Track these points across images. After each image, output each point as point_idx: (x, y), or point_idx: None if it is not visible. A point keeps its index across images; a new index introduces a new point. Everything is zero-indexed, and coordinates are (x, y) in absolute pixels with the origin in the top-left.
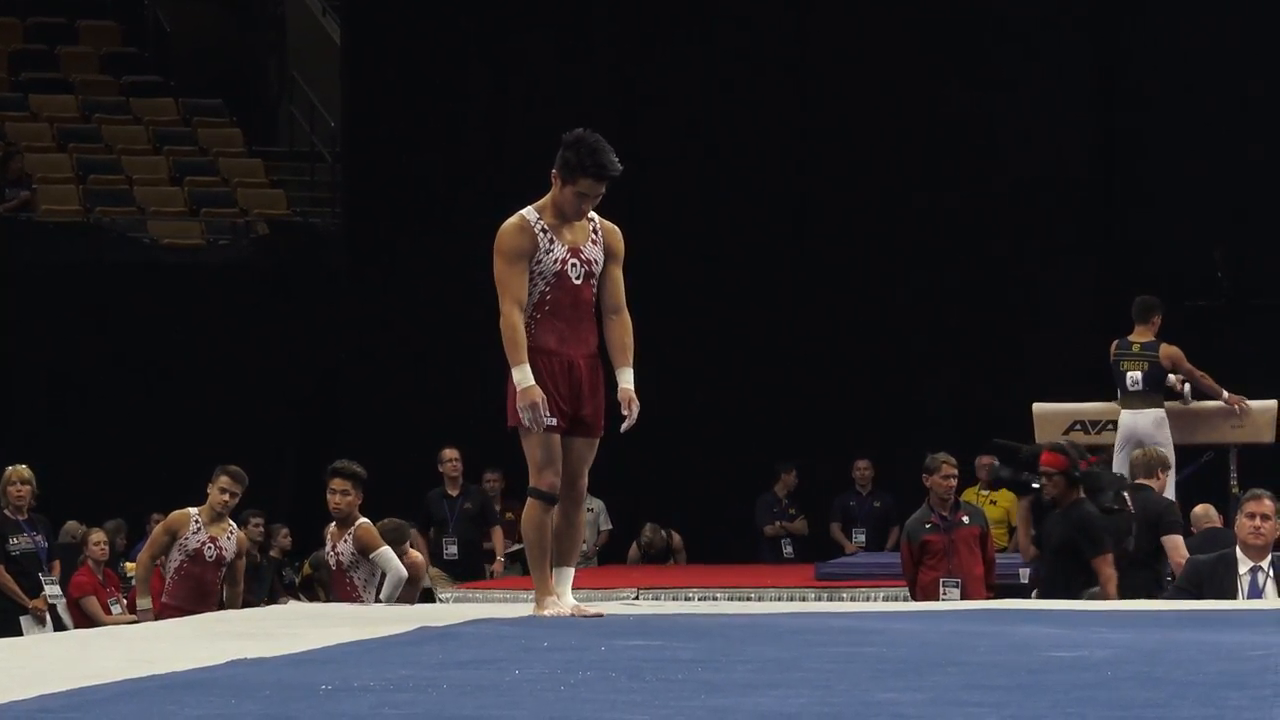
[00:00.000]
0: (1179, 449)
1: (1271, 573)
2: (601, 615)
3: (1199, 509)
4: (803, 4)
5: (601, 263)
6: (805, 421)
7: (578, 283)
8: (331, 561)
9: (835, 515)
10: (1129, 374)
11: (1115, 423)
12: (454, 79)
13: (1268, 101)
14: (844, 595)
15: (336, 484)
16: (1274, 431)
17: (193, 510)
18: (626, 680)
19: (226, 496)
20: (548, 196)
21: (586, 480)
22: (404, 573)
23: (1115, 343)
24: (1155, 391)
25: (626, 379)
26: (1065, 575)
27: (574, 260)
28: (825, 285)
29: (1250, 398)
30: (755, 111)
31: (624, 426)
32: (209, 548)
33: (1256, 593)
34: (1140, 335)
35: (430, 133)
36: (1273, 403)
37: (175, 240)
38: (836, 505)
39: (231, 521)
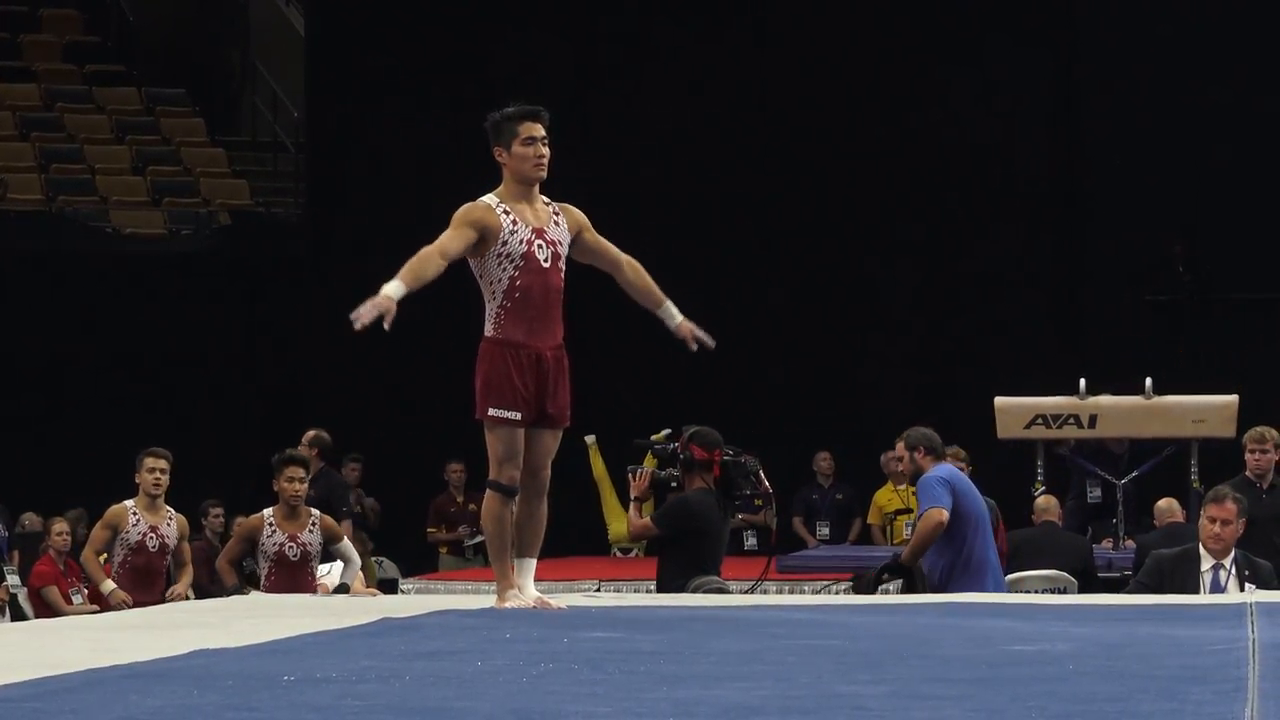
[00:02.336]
0: (1141, 443)
1: (1234, 570)
2: (564, 609)
3: (1162, 503)
4: (764, 9)
5: (567, 244)
6: (766, 413)
7: (545, 265)
8: (292, 553)
9: (797, 508)
10: None
11: (1076, 417)
12: (416, 69)
13: (1228, 98)
14: (805, 588)
15: (295, 471)
16: (1234, 426)
17: (129, 503)
18: (589, 672)
19: (155, 475)
20: (502, 184)
21: (549, 471)
22: (359, 561)
23: None
24: None
25: (673, 313)
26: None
27: (540, 241)
28: (784, 279)
29: (1211, 392)
30: (716, 116)
31: (708, 343)
32: (151, 538)
33: (1219, 589)
34: None
35: (393, 123)
36: (1233, 398)
37: (138, 230)
38: (798, 498)
39: (168, 507)
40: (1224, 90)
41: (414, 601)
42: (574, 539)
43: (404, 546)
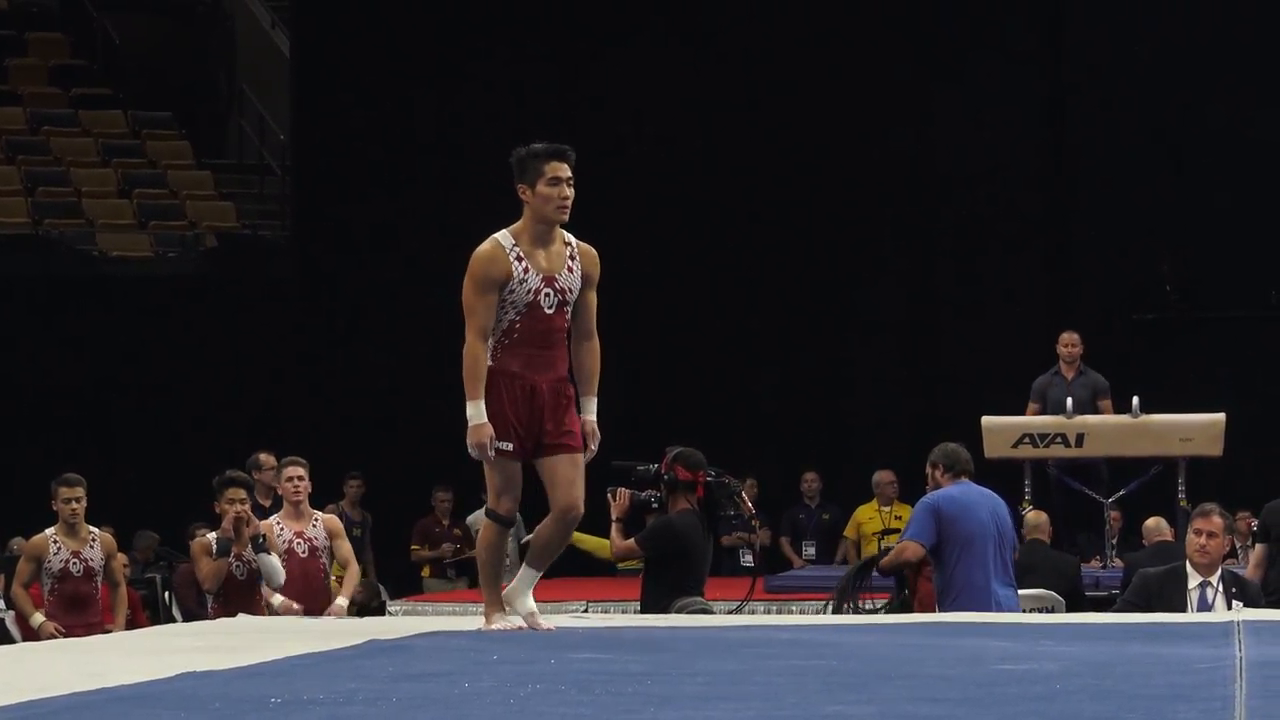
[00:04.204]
0: (1127, 462)
1: (1220, 588)
2: (552, 629)
3: (1150, 521)
4: (751, 30)
5: (577, 290)
6: (753, 434)
7: (550, 312)
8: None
9: (784, 529)
10: None
11: (1063, 435)
12: (402, 92)
13: (1215, 117)
14: (794, 608)
15: (237, 493)
16: (1221, 445)
17: (49, 531)
18: (576, 693)
19: (71, 505)
20: (522, 219)
21: (580, 495)
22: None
23: None
24: None
25: (590, 410)
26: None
27: (548, 290)
28: (772, 300)
29: (1198, 411)
30: (702, 138)
31: (591, 451)
32: (74, 564)
33: (1206, 607)
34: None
35: (379, 146)
36: (1220, 416)
37: (124, 252)
38: (785, 519)
39: (90, 528)
40: (1211, 110)
41: (401, 623)
42: (561, 559)
43: (391, 569)
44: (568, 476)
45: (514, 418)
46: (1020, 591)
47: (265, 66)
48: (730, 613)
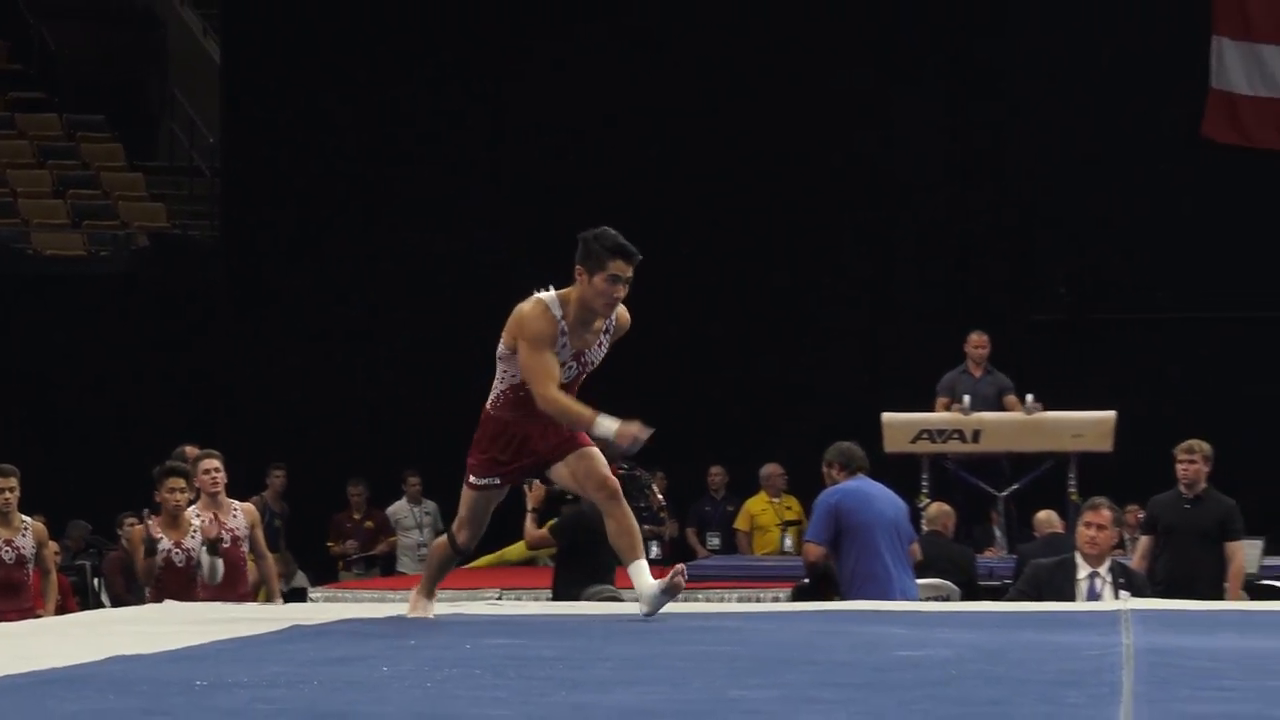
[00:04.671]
0: (1024, 457)
1: (1109, 578)
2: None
3: (1041, 514)
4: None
5: (599, 362)
6: (666, 430)
7: (566, 380)
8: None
9: (691, 521)
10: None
11: (961, 432)
12: (329, 97)
13: (1108, 126)
14: (699, 596)
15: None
16: (1111, 441)
17: None
18: (491, 677)
19: (5, 495)
20: (572, 290)
21: (608, 475)
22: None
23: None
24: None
25: None
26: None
27: (573, 363)
28: (679, 299)
29: (1091, 409)
30: (658, 135)
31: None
32: (6, 551)
33: (1094, 597)
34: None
35: (306, 148)
36: (1111, 414)
37: (58, 251)
38: (692, 511)
39: (23, 517)
40: (1105, 118)
41: (322, 609)
42: (476, 548)
43: (312, 557)
44: (589, 469)
45: (496, 452)
46: (918, 581)
47: (196, 72)
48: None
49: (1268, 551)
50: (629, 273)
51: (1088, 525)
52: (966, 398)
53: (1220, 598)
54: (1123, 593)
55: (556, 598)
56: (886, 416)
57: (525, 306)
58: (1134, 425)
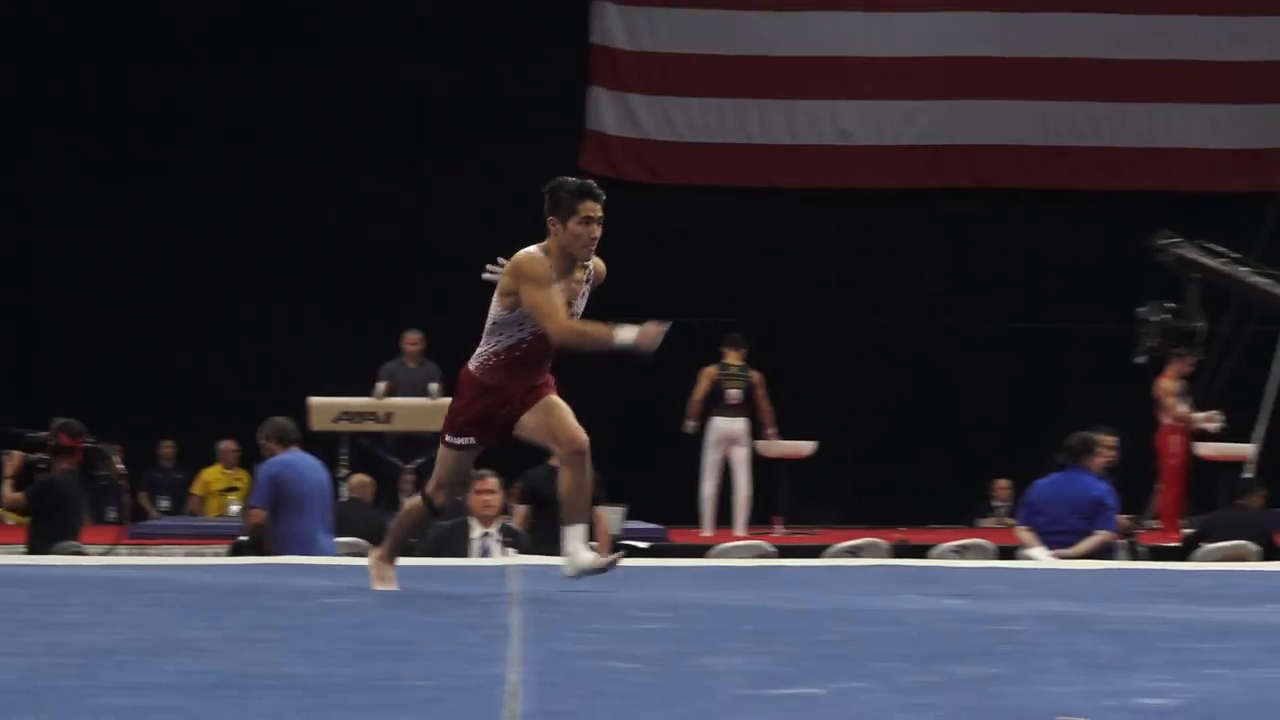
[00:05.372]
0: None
1: (499, 537)
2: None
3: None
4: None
5: (583, 309)
6: (123, 407)
7: None
8: None
9: (144, 486)
10: (729, 390)
11: (374, 414)
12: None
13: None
14: (150, 551)
15: None
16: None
17: None
18: None
19: None
20: (550, 242)
21: (579, 432)
22: None
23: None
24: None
25: None
26: None
27: None
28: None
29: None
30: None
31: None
32: None
33: (486, 553)
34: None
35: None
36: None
37: None
38: (145, 477)
39: None
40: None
41: None
42: None
43: None
44: (557, 418)
45: (478, 411)
46: (337, 539)
47: None
48: (101, 555)
49: (629, 518)
50: (599, 211)
51: (479, 493)
52: (381, 384)
53: None
54: (510, 550)
55: (31, 553)
56: (312, 400)
57: (519, 256)
58: None
